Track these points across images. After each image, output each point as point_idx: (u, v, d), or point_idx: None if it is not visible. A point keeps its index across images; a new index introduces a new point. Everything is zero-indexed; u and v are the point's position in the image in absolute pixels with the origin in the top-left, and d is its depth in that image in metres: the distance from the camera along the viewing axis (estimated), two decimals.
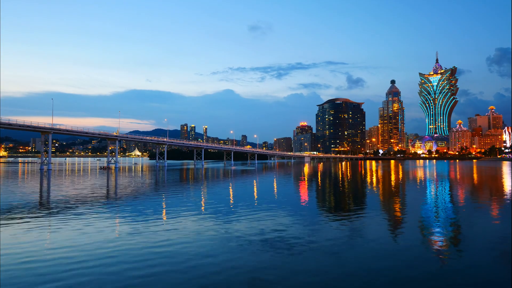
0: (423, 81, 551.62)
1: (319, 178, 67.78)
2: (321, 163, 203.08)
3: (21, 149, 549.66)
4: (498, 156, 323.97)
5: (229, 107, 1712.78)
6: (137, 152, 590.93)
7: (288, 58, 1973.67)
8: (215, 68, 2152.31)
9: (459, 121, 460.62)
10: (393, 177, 69.34)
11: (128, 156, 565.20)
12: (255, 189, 45.34)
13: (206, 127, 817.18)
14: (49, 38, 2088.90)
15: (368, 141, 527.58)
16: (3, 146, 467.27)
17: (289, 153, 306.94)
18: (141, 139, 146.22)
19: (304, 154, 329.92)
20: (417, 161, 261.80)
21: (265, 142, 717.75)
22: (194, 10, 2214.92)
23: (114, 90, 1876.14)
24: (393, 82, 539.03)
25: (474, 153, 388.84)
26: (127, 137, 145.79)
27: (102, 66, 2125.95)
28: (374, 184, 52.31)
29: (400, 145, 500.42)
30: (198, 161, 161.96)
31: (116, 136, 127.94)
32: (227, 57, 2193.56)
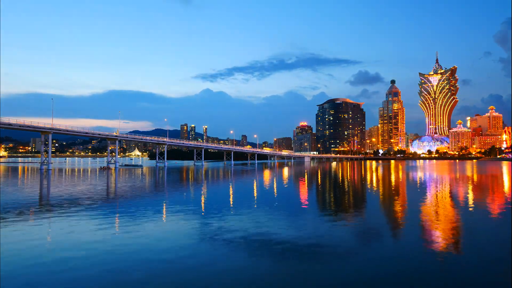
0: (423, 81, 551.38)
1: (319, 178, 67.78)
2: (321, 163, 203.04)
3: (21, 149, 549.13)
4: (498, 156, 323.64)
5: (216, 106, 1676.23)
6: (137, 152, 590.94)
7: (273, 56, 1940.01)
8: (197, 68, 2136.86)
9: (459, 121, 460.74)
10: (393, 178, 69.34)
11: (128, 156, 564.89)
12: (254, 189, 45.35)
13: (206, 127, 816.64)
14: (26, 38, 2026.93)
15: (368, 141, 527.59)
16: (3, 146, 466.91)
17: (289, 153, 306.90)
18: (141, 139, 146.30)
19: (304, 154, 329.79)
20: (417, 161, 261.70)
21: (265, 142, 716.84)
22: (175, 10, 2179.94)
23: (94, 91, 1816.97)
24: (393, 82, 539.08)
25: (474, 153, 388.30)
26: (127, 137, 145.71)
27: (76, 66, 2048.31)
28: (374, 185, 52.31)
29: (400, 145, 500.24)
30: (198, 161, 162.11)
31: (116, 136, 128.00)
32: (210, 57, 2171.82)
